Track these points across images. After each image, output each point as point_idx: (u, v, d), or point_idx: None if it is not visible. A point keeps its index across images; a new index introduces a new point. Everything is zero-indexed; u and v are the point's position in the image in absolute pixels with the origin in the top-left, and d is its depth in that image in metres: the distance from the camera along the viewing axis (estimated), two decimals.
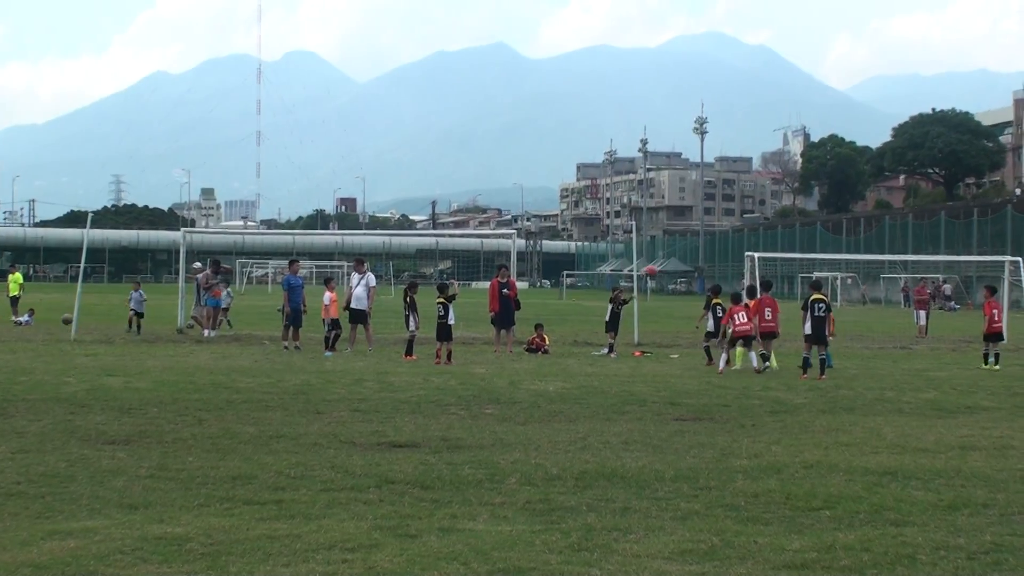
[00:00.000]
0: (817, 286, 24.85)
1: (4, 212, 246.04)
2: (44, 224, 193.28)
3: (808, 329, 23.15)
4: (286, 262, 32.54)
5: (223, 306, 39.09)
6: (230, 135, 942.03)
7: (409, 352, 26.33)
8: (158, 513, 9.30)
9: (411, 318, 26.96)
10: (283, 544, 8.26)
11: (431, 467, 11.49)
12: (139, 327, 34.28)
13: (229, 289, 41.41)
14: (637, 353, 28.82)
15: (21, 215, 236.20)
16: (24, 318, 39.02)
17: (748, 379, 22.14)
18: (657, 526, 9.02)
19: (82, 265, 37.07)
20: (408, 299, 27.22)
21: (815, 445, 13.38)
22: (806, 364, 22.90)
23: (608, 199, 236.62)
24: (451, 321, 25.62)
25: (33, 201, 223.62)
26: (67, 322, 25.36)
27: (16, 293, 42.94)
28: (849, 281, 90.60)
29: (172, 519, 9.07)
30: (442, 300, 26.01)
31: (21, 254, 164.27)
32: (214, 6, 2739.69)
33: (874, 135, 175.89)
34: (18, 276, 45.07)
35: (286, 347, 28.54)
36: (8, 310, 41.85)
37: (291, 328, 28.94)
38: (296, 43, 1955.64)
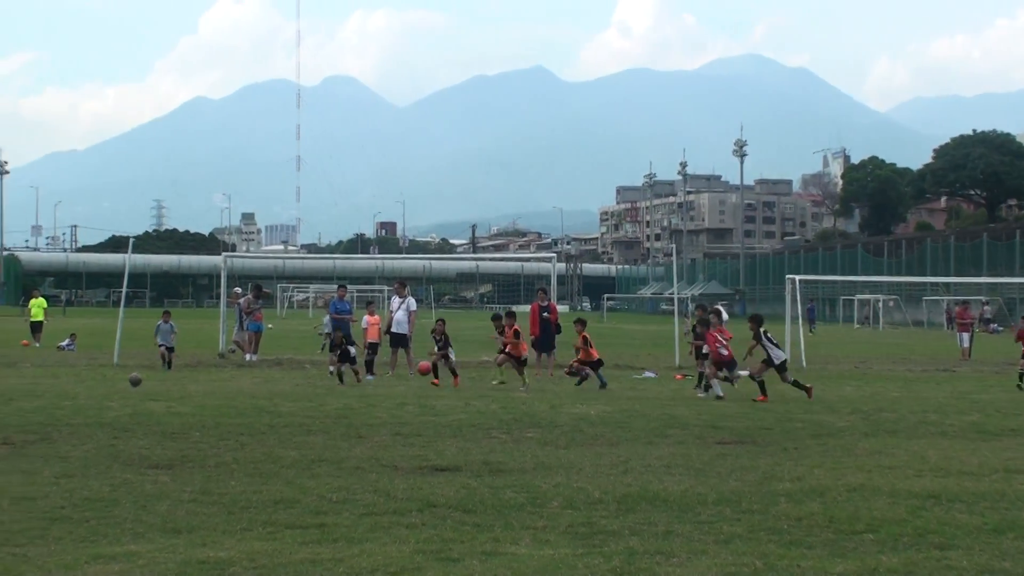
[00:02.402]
0: (759, 320, 23.84)
1: (46, 238, 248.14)
2: (86, 249, 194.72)
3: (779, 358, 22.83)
4: (329, 287, 32.47)
5: (323, 331, 39.53)
6: (270, 160, 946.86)
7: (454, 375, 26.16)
8: (201, 537, 9.33)
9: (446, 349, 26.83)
10: (326, 568, 8.27)
11: (473, 491, 11.47)
12: (170, 362, 30.84)
13: (327, 319, 41.46)
14: (679, 376, 28.75)
15: (63, 241, 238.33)
16: (66, 343, 39.31)
17: (789, 403, 22.01)
18: (700, 550, 8.97)
19: (124, 290, 37.36)
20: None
21: (858, 468, 13.29)
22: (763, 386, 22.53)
23: (648, 222, 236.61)
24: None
25: (75, 227, 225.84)
26: (136, 383, 24.73)
27: (40, 318, 43.06)
28: (891, 304, 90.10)
29: (215, 543, 9.09)
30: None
31: (63, 279, 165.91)
32: (254, 31, 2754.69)
33: (915, 157, 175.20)
34: (42, 301, 45.01)
35: (331, 371, 28.46)
36: (37, 335, 42.15)
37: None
38: (335, 68, 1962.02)
